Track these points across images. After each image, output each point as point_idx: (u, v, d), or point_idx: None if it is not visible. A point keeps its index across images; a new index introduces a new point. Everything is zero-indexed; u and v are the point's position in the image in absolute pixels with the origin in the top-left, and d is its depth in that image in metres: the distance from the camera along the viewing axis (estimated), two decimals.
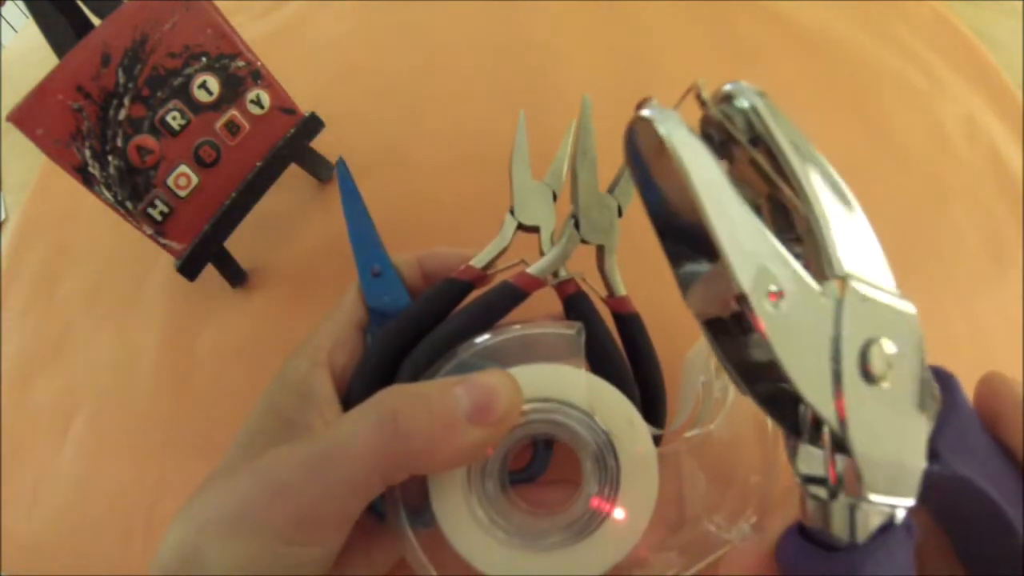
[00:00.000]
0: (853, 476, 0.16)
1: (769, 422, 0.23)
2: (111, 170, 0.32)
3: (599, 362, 0.25)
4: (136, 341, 0.38)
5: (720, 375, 0.24)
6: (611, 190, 0.27)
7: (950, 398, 0.18)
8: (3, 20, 0.71)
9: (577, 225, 0.26)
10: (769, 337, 0.15)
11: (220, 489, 0.21)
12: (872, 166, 0.40)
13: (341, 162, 0.28)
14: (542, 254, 0.26)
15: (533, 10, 0.48)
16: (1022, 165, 0.41)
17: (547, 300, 0.27)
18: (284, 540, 0.20)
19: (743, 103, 0.17)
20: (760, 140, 0.17)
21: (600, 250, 0.27)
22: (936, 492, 0.17)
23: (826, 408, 0.16)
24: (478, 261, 0.26)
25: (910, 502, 0.16)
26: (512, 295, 0.25)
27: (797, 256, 0.16)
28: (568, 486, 0.24)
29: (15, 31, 0.72)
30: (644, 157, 0.17)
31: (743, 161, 0.17)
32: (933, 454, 0.17)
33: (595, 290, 0.27)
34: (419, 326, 0.25)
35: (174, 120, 0.33)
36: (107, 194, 0.33)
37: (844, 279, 0.16)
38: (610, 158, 0.28)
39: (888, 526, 0.16)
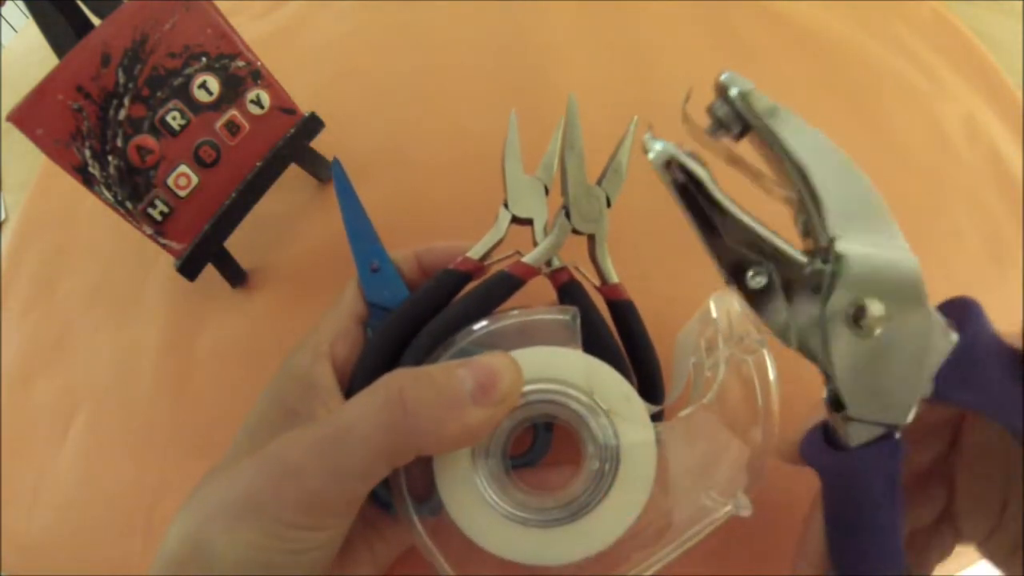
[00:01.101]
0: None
1: (773, 389, 0.24)
2: (111, 170, 0.32)
3: (593, 346, 0.26)
4: (136, 341, 0.38)
5: (710, 354, 0.25)
6: (600, 182, 0.28)
7: (970, 330, 0.20)
8: (3, 20, 0.71)
9: (568, 216, 0.27)
10: (759, 314, 0.20)
11: (225, 479, 0.21)
12: (872, 166, 0.40)
13: (336, 162, 0.29)
14: (536, 245, 0.27)
15: (533, 10, 0.48)
16: (1022, 165, 0.41)
17: (542, 290, 0.27)
18: (290, 525, 0.20)
19: (733, 91, 0.20)
20: (749, 127, 0.20)
21: (591, 239, 0.28)
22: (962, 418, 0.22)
23: (820, 359, 0.20)
24: (475, 253, 0.27)
25: (897, 422, 0.20)
26: (508, 283, 0.26)
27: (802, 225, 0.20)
28: (569, 467, 0.24)
29: (15, 31, 0.72)
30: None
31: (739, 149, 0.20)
32: (940, 390, 0.20)
33: (588, 279, 0.28)
34: (419, 316, 0.26)
35: (174, 120, 0.33)
36: (107, 194, 0.33)
37: (831, 242, 0.19)
38: (604, 153, 0.28)
39: (881, 438, 0.20)
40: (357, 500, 0.21)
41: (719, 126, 0.20)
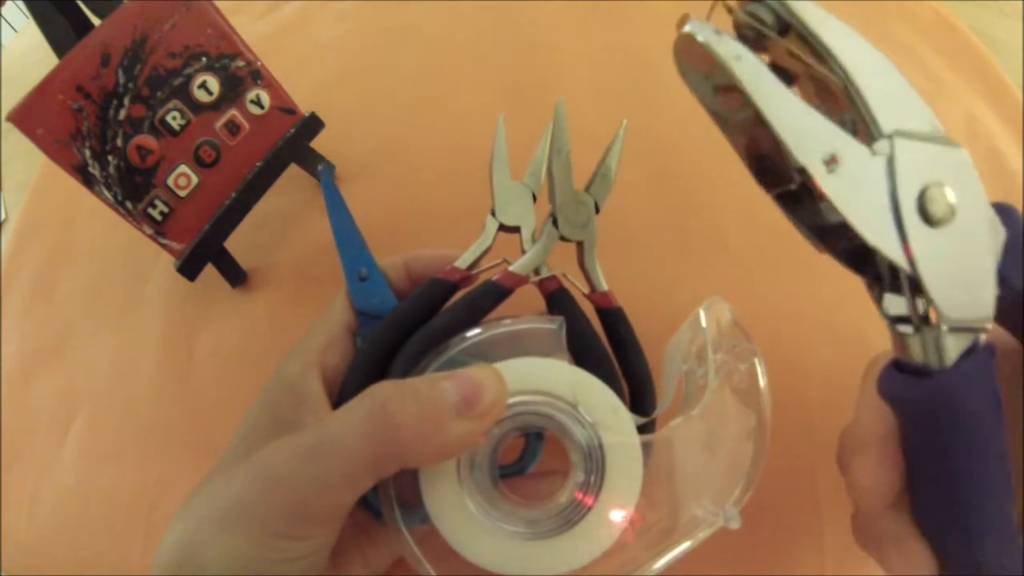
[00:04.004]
0: (932, 309, 0.18)
1: (765, 397, 0.24)
2: (111, 170, 0.32)
3: (582, 355, 0.26)
4: (136, 341, 0.38)
5: (702, 362, 0.24)
6: (588, 188, 0.28)
7: (1012, 227, 0.19)
8: (3, 20, 0.71)
9: (556, 223, 0.27)
10: (833, 200, 0.18)
11: (216, 486, 0.22)
12: None
13: (325, 170, 0.29)
14: (524, 252, 0.27)
15: (533, 10, 0.48)
16: (1022, 165, 0.41)
17: (533, 298, 0.27)
18: (277, 534, 0.20)
19: None
20: (790, 28, 0.19)
21: (580, 247, 0.28)
22: (1014, 315, 0.20)
23: (895, 254, 0.18)
24: (462, 262, 0.27)
25: (988, 324, 0.19)
26: (496, 293, 0.26)
27: (848, 125, 0.19)
28: (559, 476, 0.24)
29: (15, 31, 0.72)
30: (694, 68, 0.19)
31: (780, 52, 0.19)
32: (1002, 281, 0.19)
33: (577, 286, 0.28)
34: (407, 325, 0.26)
35: (174, 120, 0.33)
36: (107, 194, 0.33)
37: (891, 137, 0.18)
38: (594, 156, 0.28)
39: (972, 349, 0.19)
40: (342, 510, 0.21)
41: (754, 31, 0.19)
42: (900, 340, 0.19)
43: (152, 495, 0.33)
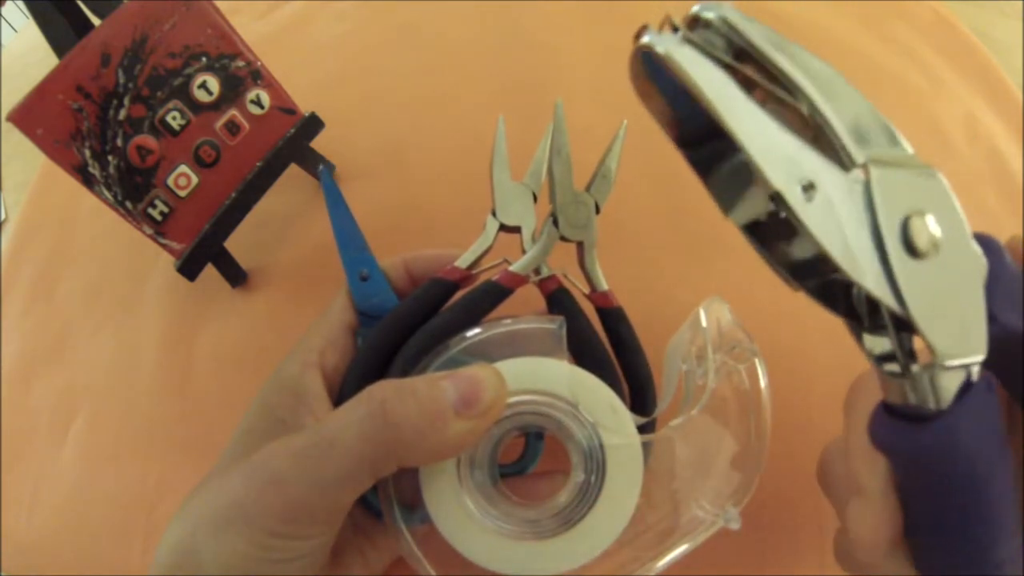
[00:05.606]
0: (923, 346, 0.17)
1: (765, 398, 0.24)
2: (111, 170, 0.32)
3: (582, 354, 0.26)
4: (136, 341, 0.38)
5: (701, 362, 0.24)
6: (588, 188, 0.28)
7: (995, 260, 0.18)
8: (3, 20, 0.71)
9: (556, 223, 0.27)
10: (811, 230, 0.16)
11: (214, 486, 0.22)
12: None
13: (325, 171, 0.29)
14: (524, 252, 0.27)
15: (533, 10, 0.48)
16: (1022, 165, 0.41)
17: (533, 298, 0.27)
18: (274, 534, 0.20)
19: (709, 15, 0.17)
20: (744, 52, 0.17)
21: (580, 247, 0.28)
22: (998, 353, 0.18)
23: (882, 290, 0.16)
24: (462, 262, 0.27)
25: (981, 356, 0.17)
26: (496, 292, 0.26)
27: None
28: (559, 476, 0.24)
29: (15, 31, 0.72)
30: (653, 82, 0.18)
31: (738, 79, 0.17)
32: (989, 316, 0.17)
33: (578, 286, 0.28)
34: (407, 325, 0.26)
35: (174, 120, 0.33)
36: (107, 194, 0.33)
37: (865, 165, 0.17)
38: (594, 156, 0.28)
39: (968, 386, 0.17)
40: (341, 510, 0.21)
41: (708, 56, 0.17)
42: (887, 380, 0.18)
43: (152, 495, 0.33)
